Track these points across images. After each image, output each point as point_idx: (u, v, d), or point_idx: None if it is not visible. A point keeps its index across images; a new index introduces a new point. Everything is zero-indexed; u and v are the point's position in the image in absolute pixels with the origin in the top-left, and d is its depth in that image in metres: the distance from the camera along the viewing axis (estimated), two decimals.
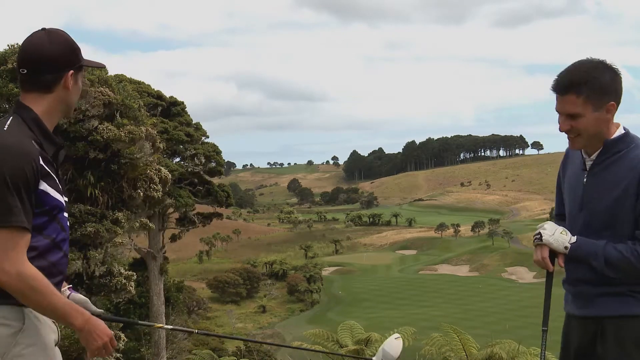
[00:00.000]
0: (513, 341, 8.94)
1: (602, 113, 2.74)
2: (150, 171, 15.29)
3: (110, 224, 14.24)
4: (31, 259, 2.21)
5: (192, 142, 30.95)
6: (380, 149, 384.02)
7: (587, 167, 2.88)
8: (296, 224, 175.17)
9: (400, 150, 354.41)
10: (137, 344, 27.34)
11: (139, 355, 27.51)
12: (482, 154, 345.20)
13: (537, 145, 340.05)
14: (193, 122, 32.29)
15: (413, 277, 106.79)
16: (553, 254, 2.91)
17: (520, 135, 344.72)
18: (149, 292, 31.13)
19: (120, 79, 20.40)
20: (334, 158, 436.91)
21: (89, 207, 14.16)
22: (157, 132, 16.06)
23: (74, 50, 2.40)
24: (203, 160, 31.10)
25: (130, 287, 15.35)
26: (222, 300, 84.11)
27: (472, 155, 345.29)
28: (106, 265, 14.86)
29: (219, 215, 35.93)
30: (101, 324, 2.35)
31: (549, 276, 3.00)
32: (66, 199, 2.41)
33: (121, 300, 19.98)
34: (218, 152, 32.22)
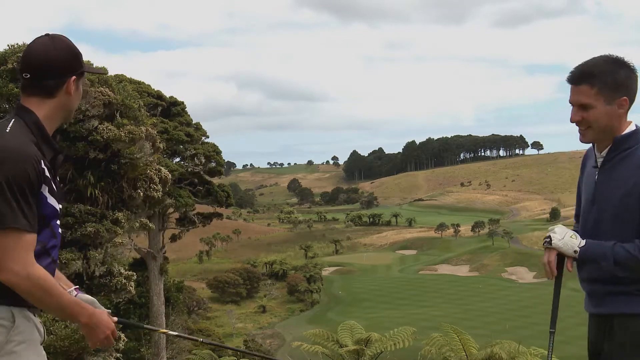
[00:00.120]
0: (513, 341, 8.94)
1: (613, 107, 2.74)
2: (150, 171, 15.29)
3: (110, 224, 14.24)
4: None
5: (192, 142, 30.95)
6: (380, 149, 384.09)
7: (599, 164, 2.88)
8: (296, 224, 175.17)
9: (400, 150, 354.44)
10: (137, 344, 27.34)
11: (139, 355, 27.51)
12: (482, 154, 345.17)
13: (537, 145, 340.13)
14: (193, 122, 32.28)
15: (413, 277, 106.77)
16: (562, 256, 2.93)
17: (520, 135, 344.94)
18: (149, 292, 31.12)
19: (120, 79, 20.39)
20: (334, 158, 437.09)
21: (89, 207, 14.15)
22: (157, 132, 16.07)
23: (77, 56, 2.44)
24: (203, 160, 31.09)
25: (130, 287, 15.34)
26: (222, 300, 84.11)
27: (472, 155, 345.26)
28: (106, 265, 14.86)
29: (219, 215, 35.92)
30: (104, 318, 2.45)
31: (558, 279, 3.02)
32: (61, 206, 2.43)
33: (121, 300, 19.93)
34: (218, 152, 32.22)
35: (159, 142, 15.80)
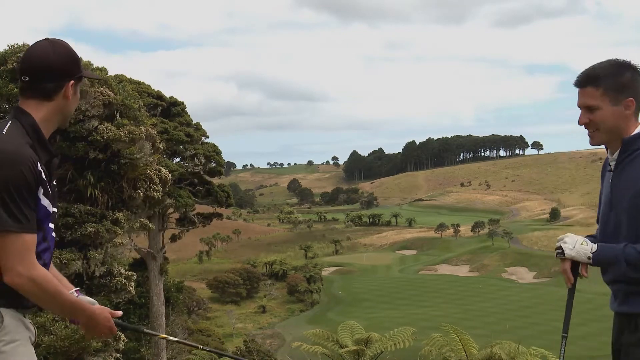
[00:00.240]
0: (513, 341, 8.94)
1: (620, 108, 2.77)
2: (150, 171, 15.29)
3: (110, 224, 14.24)
4: None
5: (192, 142, 30.95)
6: (380, 149, 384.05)
7: (612, 168, 2.90)
8: (296, 224, 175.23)
9: (400, 151, 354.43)
10: (137, 344, 27.33)
11: (139, 355, 27.50)
12: (482, 154, 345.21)
13: (537, 145, 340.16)
14: (193, 122, 32.28)
15: (413, 277, 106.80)
16: (577, 263, 2.97)
17: (520, 136, 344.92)
18: (149, 293, 31.12)
19: (120, 79, 20.39)
20: (334, 158, 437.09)
21: (89, 208, 14.15)
22: (157, 132, 16.07)
23: (76, 61, 2.46)
24: (203, 161, 31.10)
25: (130, 288, 15.34)
26: (222, 301, 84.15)
27: (472, 155, 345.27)
28: (106, 266, 14.86)
29: (219, 216, 35.92)
30: (103, 317, 2.53)
31: (572, 286, 3.06)
32: (55, 209, 2.45)
33: (121, 300, 19.93)
34: (218, 152, 32.22)
35: (159, 143, 15.80)
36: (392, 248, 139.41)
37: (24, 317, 2.42)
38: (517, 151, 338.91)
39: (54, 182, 2.46)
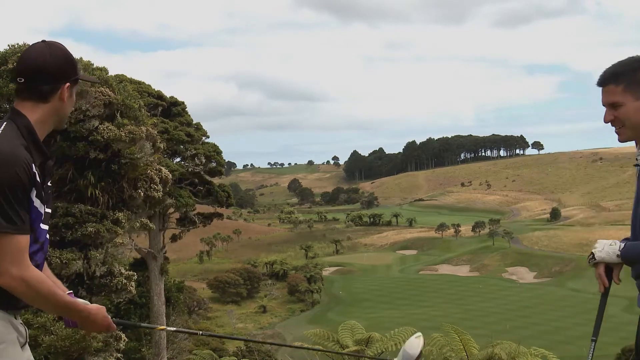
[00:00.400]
0: (513, 342, 8.94)
1: None
2: (151, 171, 15.28)
3: (110, 224, 14.24)
4: None
5: (192, 142, 30.94)
6: (381, 149, 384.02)
7: None
8: (297, 224, 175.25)
9: (401, 150, 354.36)
10: (137, 344, 27.34)
11: (140, 355, 27.51)
12: (483, 154, 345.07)
13: (537, 145, 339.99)
14: (193, 122, 32.27)
15: (413, 277, 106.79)
16: (611, 268, 2.98)
17: (521, 135, 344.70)
18: (150, 292, 31.12)
19: (121, 79, 20.39)
20: (335, 158, 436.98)
21: (90, 207, 14.15)
22: (157, 132, 16.06)
23: (72, 63, 2.46)
24: (203, 160, 31.09)
25: (131, 287, 15.34)
26: (222, 301, 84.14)
27: (472, 155, 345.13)
28: (107, 266, 14.86)
29: (220, 216, 35.91)
30: (100, 316, 2.51)
31: (605, 291, 3.05)
32: (49, 210, 2.45)
33: (122, 300, 19.98)
34: (218, 152, 32.20)
35: (160, 142, 15.80)
36: (392, 248, 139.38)
37: (15, 318, 2.41)
38: (517, 151, 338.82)
39: (49, 183, 2.46)
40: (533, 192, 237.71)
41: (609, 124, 2.84)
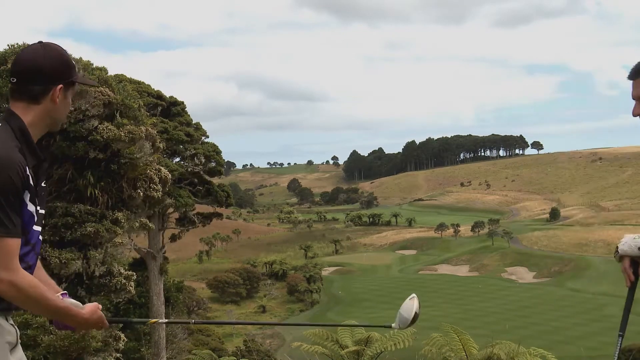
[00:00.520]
0: (512, 342, 8.94)
1: None
2: (150, 171, 15.27)
3: (110, 224, 14.23)
4: None
5: (192, 142, 30.92)
6: (380, 149, 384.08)
7: None
8: (296, 224, 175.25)
9: (400, 150, 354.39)
10: (137, 344, 27.34)
11: (139, 355, 27.51)
12: (482, 154, 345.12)
13: (537, 145, 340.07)
14: (193, 122, 32.25)
15: (413, 277, 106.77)
16: (637, 264, 2.97)
17: (520, 135, 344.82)
18: (149, 292, 31.11)
19: (120, 79, 20.38)
20: (334, 158, 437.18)
21: (89, 207, 14.14)
22: (157, 132, 16.04)
23: (67, 65, 2.43)
24: (203, 160, 31.07)
25: (130, 287, 15.33)
26: (222, 300, 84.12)
27: (472, 155, 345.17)
28: (106, 265, 14.85)
29: (219, 215, 35.90)
30: (94, 320, 2.51)
31: (632, 285, 3.03)
32: (43, 212, 2.43)
33: (121, 300, 19.95)
34: (218, 152, 32.18)
35: (159, 142, 15.78)
36: (392, 248, 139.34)
37: (7, 320, 2.39)
38: (517, 151, 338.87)
39: (43, 184, 2.44)
40: (532, 192, 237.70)
41: (638, 117, 2.82)
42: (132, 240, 25.32)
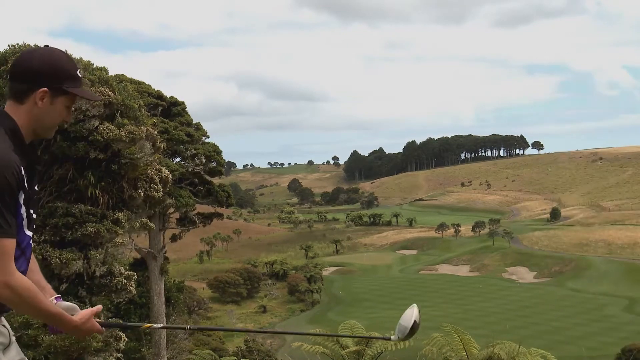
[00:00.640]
0: (513, 342, 8.94)
1: None
2: (151, 171, 15.27)
3: (110, 224, 14.23)
4: None
5: (192, 142, 30.93)
6: (381, 149, 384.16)
7: None
8: (297, 224, 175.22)
9: (401, 150, 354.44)
10: (137, 344, 27.34)
11: (140, 355, 27.51)
12: (483, 154, 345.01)
13: (537, 145, 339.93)
14: (193, 122, 32.25)
15: (413, 277, 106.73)
16: None
17: (521, 135, 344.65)
18: (150, 292, 31.11)
19: (121, 79, 20.38)
20: (335, 158, 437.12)
21: (90, 207, 14.14)
22: (157, 132, 16.04)
23: (58, 70, 2.36)
24: (203, 160, 31.07)
25: (131, 287, 15.33)
26: (222, 301, 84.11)
27: (472, 155, 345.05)
28: (107, 265, 14.85)
29: (220, 215, 35.90)
30: (86, 327, 2.49)
31: None
32: (34, 216, 2.41)
33: (122, 300, 19.95)
34: (218, 152, 32.18)
35: (160, 142, 15.78)
36: (392, 248, 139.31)
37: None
38: (517, 151, 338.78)
39: (35, 188, 2.42)
40: (533, 192, 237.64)
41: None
42: (133, 240, 25.32)
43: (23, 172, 2.27)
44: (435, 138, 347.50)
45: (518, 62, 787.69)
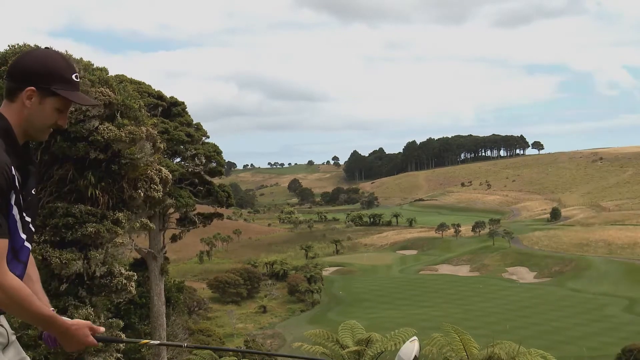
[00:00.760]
0: (513, 342, 8.94)
1: None
2: (151, 171, 15.27)
3: (110, 224, 14.23)
4: None
5: (192, 142, 30.94)
6: (381, 149, 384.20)
7: None
8: (297, 224, 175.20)
9: (401, 151, 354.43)
10: (137, 344, 27.31)
11: (140, 355, 27.51)
12: (483, 154, 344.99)
13: (537, 145, 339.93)
14: (193, 123, 32.28)
15: (413, 277, 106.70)
16: None
17: (521, 135, 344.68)
18: (150, 293, 31.11)
19: (121, 79, 20.39)
20: (335, 158, 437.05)
21: (90, 208, 14.15)
22: (157, 133, 16.04)
23: (48, 70, 2.32)
24: (203, 161, 31.08)
25: (131, 288, 15.32)
26: (222, 301, 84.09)
27: (472, 155, 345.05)
28: (107, 266, 14.85)
29: (220, 216, 35.91)
30: (79, 334, 2.44)
31: None
32: (29, 219, 2.37)
33: (122, 300, 19.96)
34: (218, 153, 32.20)
35: (160, 143, 15.78)
36: (392, 248, 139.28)
37: None
38: (517, 151, 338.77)
39: (32, 191, 2.38)
40: (533, 192, 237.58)
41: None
42: (133, 240, 25.33)
43: (14, 172, 2.23)
44: (436, 138, 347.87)
45: (518, 62, 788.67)
